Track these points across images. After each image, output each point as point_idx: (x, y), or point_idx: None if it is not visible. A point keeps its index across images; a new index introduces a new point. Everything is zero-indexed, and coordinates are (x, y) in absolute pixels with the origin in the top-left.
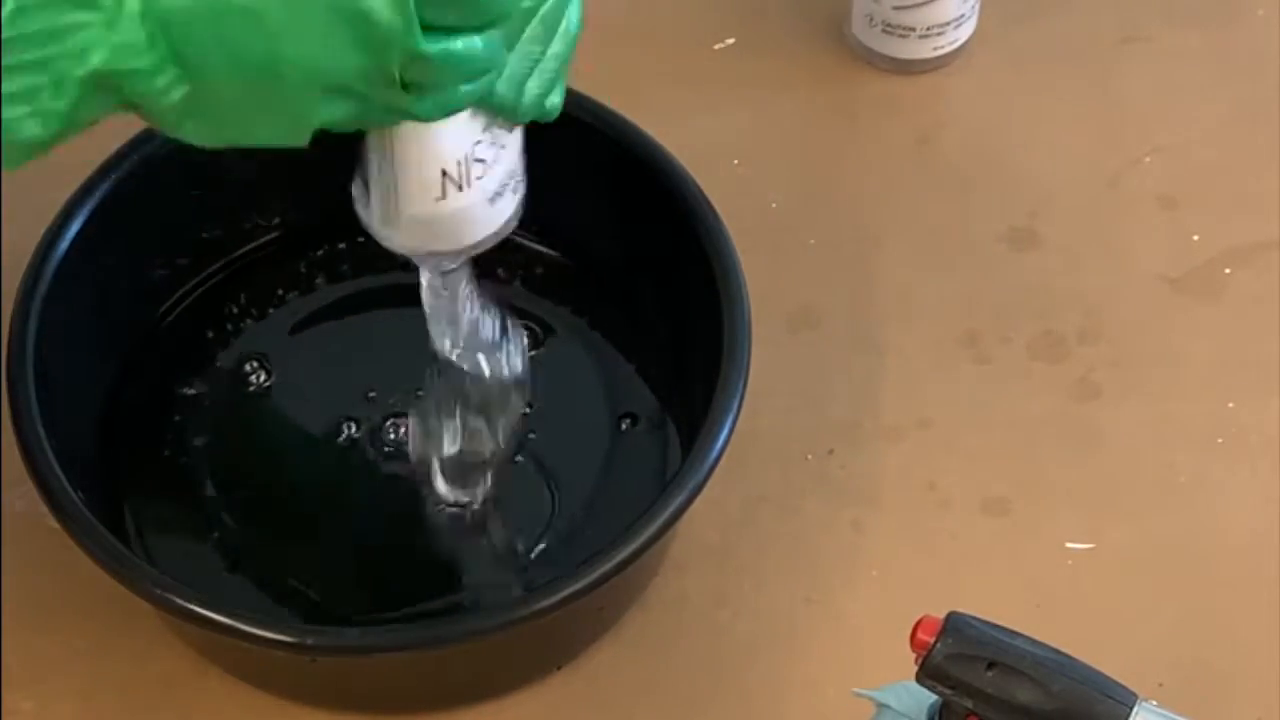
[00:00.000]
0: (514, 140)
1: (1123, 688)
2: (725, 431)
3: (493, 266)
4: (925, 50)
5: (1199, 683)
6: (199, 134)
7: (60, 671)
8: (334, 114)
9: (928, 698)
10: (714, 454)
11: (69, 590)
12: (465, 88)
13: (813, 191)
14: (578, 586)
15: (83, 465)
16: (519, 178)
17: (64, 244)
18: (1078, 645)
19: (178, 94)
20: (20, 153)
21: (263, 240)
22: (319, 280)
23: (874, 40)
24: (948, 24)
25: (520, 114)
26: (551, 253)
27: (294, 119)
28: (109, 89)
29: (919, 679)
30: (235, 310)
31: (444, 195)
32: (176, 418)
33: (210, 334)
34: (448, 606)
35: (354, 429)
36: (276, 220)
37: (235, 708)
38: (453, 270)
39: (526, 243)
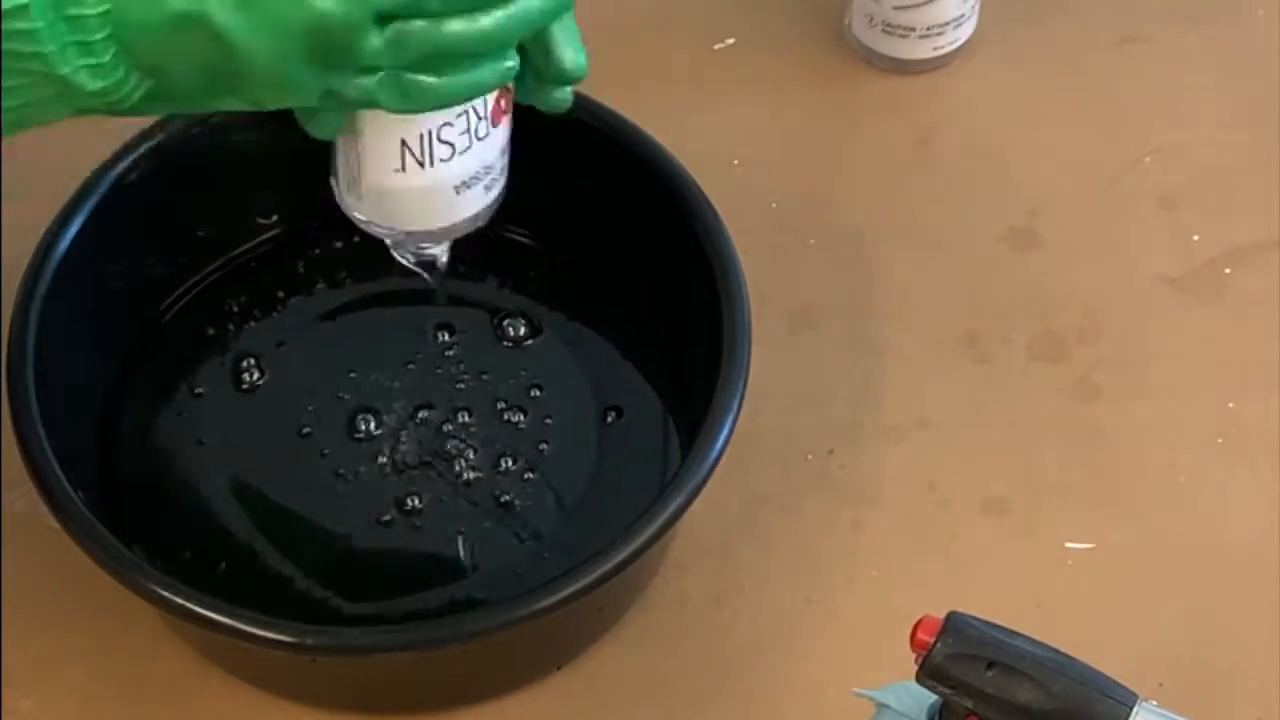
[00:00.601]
0: (496, 136)
1: (1123, 688)
2: (725, 431)
3: (492, 266)
4: (925, 50)
5: (1199, 683)
6: (156, 114)
7: (60, 671)
8: (295, 95)
9: (928, 698)
10: (714, 454)
11: (69, 590)
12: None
13: (813, 191)
14: (578, 586)
15: (83, 465)
16: (496, 176)
17: (64, 244)
18: (1078, 645)
19: (139, 93)
20: None
21: (262, 240)
22: (318, 282)
23: (874, 40)
24: (948, 24)
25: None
26: (552, 252)
27: (253, 103)
28: (71, 97)
29: (919, 679)
30: (235, 310)
31: (403, 168)
32: (176, 417)
33: (209, 333)
34: (448, 605)
35: (353, 429)
36: (275, 219)
37: (235, 708)
38: (429, 256)
39: (527, 242)
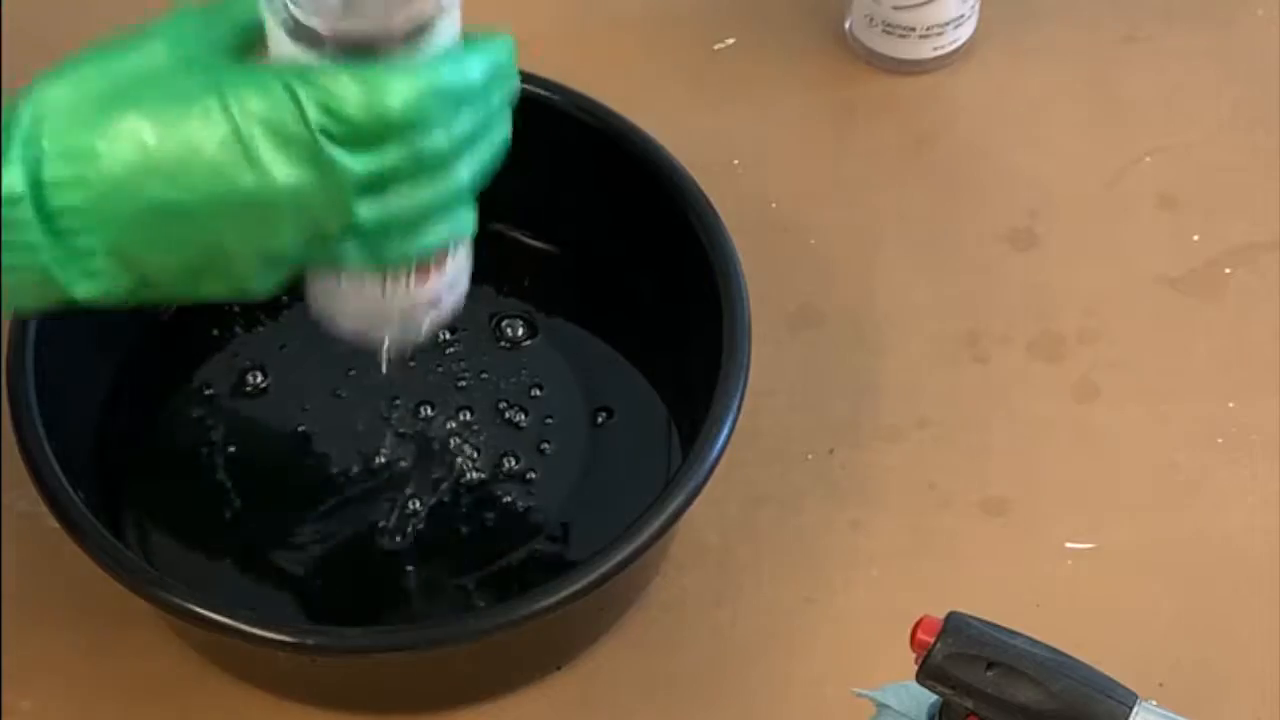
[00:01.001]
0: (419, 291)
1: (1123, 688)
2: (725, 431)
3: (492, 266)
4: (925, 50)
5: (1199, 683)
6: (140, 301)
7: (60, 671)
8: (277, 277)
9: (928, 698)
10: (714, 454)
11: (69, 590)
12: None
13: (813, 191)
14: (578, 586)
15: (83, 465)
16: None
17: None
18: (1078, 645)
19: (124, 286)
20: None
21: None
22: None
23: (874, 40)
24: (948, 24)
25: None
26: (551, 252)
27: (238, 286)
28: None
29: (919, 679)
30: (236, 310)
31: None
32: (176, 418)
33: (210, 334)
34: (449, 605)
35: (353, 429)
36: None
37: (235, 708)
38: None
39: (527, 242)
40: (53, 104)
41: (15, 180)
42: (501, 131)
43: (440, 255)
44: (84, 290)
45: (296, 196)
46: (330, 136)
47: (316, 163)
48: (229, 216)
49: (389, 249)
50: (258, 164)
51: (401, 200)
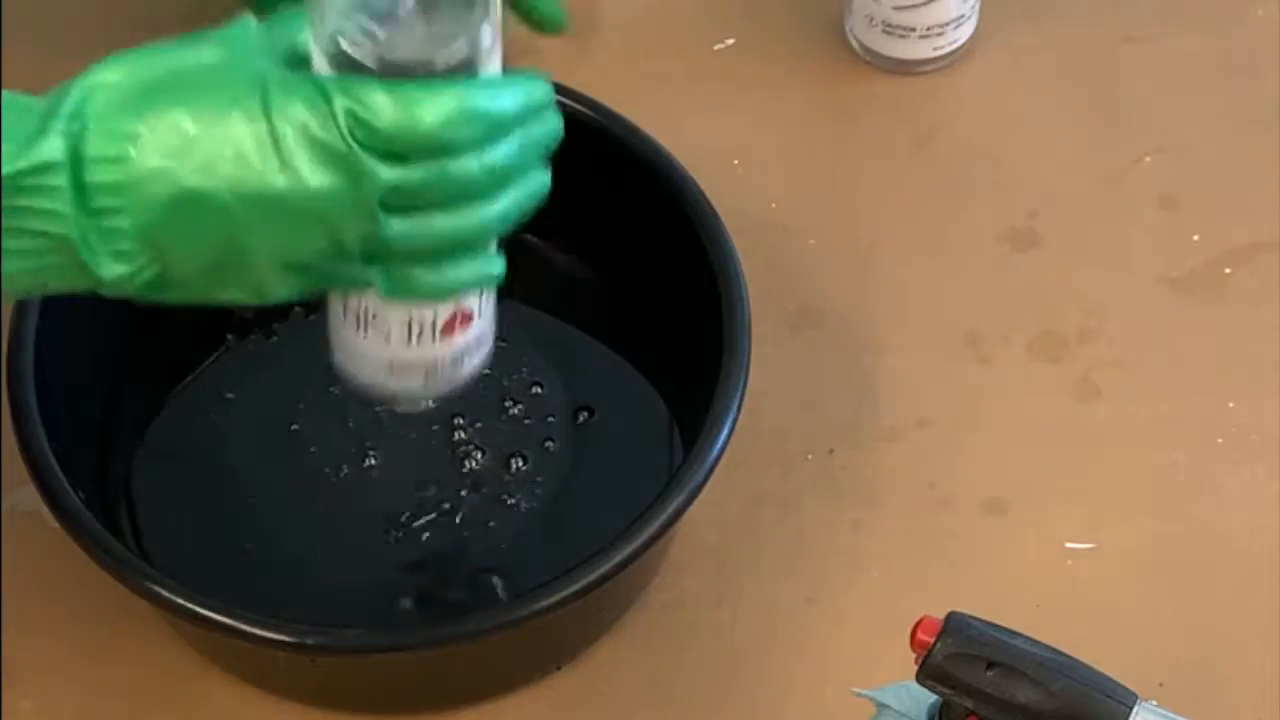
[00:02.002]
0: (438, 348)
1: (1123, 688)
2: (725, 431)
3: None
4: (925, 50)
5: (1199, 683)
6: (163, 299)
7: (60, 670)
8: (296, 286)
9: (928, 698)
10: (714, 454)
11: (69, 590)
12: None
13: (813, 191)
14: (578, 586)
15: (83, 465)
16: (443, 372)
17: None
18: (1078, 645)
19: (147, 275)
20: None
21: None
22: None
23: (874, 40)
24: (948, 24)
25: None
26: (551, 252)
27: (257, 291)
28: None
29: (919, 679)
30: (236, 309)
31: (355, 328)
32: (177, 417)
33: (211, 333)
34: (448, 605)
35: (354, 428)
36: None
37: (235, 708)
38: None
39: (527, 241)
40: (102, 86)
41: (55, 150)
42: (539, 176)
43: (467, 309)
44: (109, 271)
45: (324, 200)
46: (360, 144)
47: (345, 168)
48: (257, 214)
49: (416, 279)
50: (289, 165)
51: (430, 223)
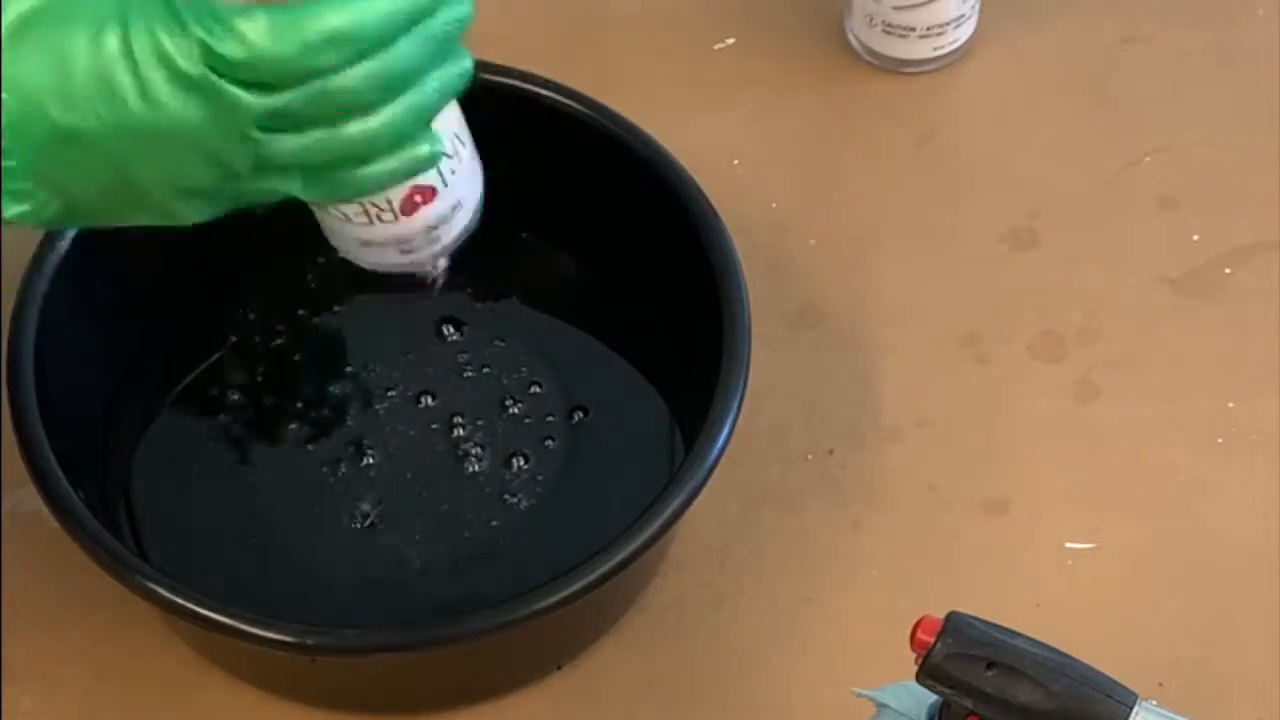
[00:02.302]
0: (402, 225)
1: (1123, 688)
2: (725, 431)
3: (493, 266)
4: (925, 50)
5: (1199, 683)
6: (77, 225)
7: (60, 670)
8: (205, 209)
9: (928, 698)
10: (714, 454)
11: (69, 590)
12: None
13: (813, 191)
14: (577, 586)
15: (83, 465)
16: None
17: (64, 244)
18: (1078, 645)
19: (54, 209)
20: None
21: (265, 238)
22: (321, 279)
23: (874, 40)
24: (948, 24)
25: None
26: (551, 252)
27: (166, 215)
28: None
29: (919, 679)
30: (238, 312)
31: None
32: (177, 417)
33: (212, 333)
34: (448, 605)
35: (354, 427)
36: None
37: (235, 708)
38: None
39: (527, 241)
40: None
41: None
42: (455, 64)
43: (422, 185)
44: (12, 210)
45: (195, 131)
46: (222, 76)
47: (211, 99)
48: (132, 147)
49: (339, 183)
50: (153, 99)
51: (325, 137)
